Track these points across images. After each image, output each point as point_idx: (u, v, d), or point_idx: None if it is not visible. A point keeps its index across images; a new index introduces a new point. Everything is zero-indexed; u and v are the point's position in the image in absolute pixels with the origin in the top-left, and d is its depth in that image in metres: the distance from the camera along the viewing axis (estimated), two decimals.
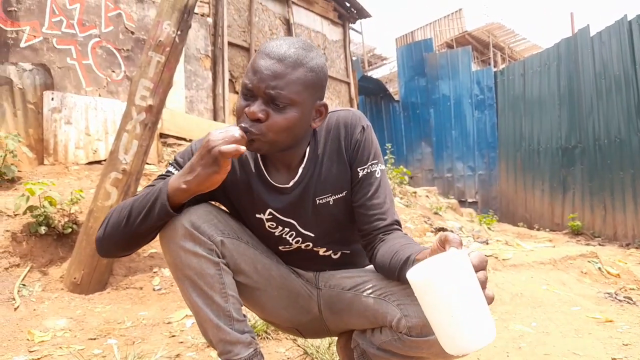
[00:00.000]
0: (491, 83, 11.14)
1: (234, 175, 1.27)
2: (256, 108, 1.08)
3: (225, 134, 1.05)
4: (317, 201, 1.28)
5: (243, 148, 1.03)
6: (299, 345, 1.89)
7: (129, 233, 1.13)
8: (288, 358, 1.88)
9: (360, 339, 1.32)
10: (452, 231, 4.90)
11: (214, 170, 1.04)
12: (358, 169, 1.26)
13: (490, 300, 0.87)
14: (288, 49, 1.10)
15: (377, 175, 1.26)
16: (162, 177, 1.23)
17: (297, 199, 1.27)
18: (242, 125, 1.10)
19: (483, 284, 0.86)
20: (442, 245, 0.91)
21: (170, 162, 1.26)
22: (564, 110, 9.13)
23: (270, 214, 1.28)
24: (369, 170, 1.26)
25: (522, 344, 2.00)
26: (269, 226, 1.31)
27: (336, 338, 1.57)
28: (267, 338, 2.05)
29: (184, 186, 1.06)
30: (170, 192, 1.08)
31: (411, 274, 0.86)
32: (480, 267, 0.87)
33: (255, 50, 7.28)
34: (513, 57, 16.36)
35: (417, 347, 1.15)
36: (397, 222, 1.26)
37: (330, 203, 1.28)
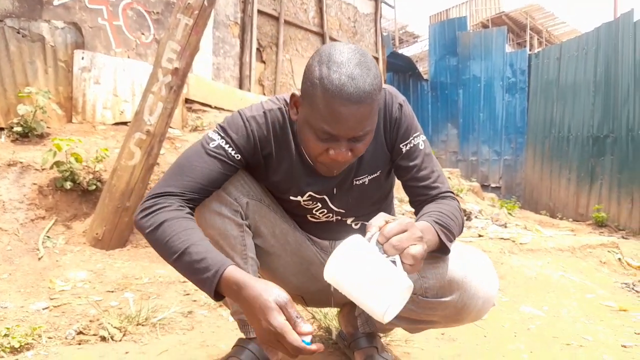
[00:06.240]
0: (525, 66, 10.80)
1: (276, 159, 1.25)
2: (345, 151, 1.08)
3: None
4: (354, 182, 1.29)
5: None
6: (307, 310, 1.92)
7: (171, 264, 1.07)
8: None
9: None
10: (470, 212, 4.85)
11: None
12: (401, 146, 1.25)
13: (412, 258, 0.92)
14: (363, 83, 1.01)
15: (421, 147, 1.26)
16: (207, 151, 1.16)
17: (338, 181, 1.28)
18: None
19: (395, 247, 0.93)
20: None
21: (216, 129, 1.19)
22: (598, 98, 8.82)
23: (309, 196, 1.29)
24: (412, 144, 1.26)
25: (531, 326, 2.00)
26: (304, 204, 1.32)
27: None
28: None
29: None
30: (223, 291, 0.98)
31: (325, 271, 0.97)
32: (392, 234, 0.94)
33: (285, 21, 7.20)
34: (550, 41, 15.81)
35: (430, 309, 1.17)
36: (449, 190, 1.28)
37: (366, 183, 1.30)
